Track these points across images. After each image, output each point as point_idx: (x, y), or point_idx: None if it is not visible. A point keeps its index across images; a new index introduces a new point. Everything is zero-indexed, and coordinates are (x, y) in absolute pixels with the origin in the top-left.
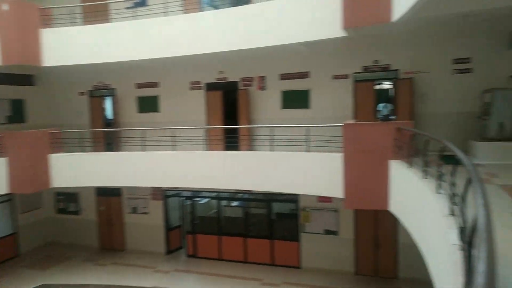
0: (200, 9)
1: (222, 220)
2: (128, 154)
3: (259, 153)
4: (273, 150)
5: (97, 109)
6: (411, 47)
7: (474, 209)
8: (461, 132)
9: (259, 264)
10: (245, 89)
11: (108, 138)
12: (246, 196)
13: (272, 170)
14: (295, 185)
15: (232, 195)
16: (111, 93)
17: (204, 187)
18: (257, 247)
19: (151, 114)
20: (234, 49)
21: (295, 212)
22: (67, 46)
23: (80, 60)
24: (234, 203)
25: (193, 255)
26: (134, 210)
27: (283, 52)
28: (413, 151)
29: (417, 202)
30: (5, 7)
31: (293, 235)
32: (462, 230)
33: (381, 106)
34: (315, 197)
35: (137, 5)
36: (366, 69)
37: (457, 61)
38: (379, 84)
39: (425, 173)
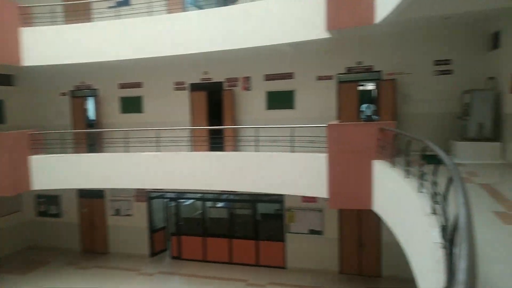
0: (184, 9)
1: (207, 221)
2: (111, 156)
3: (244, 154)
4: (258, 151)
5: (79, 110)
6: (393, 49)
7: (455, 207)
8: (442, 132)
9: (244, 265)
10: (230, 89)
11: (91, 139)
12: (231, 197)
13: (257, 171)
14: (280, 185)
15: (217, 196)
16: (94, 93)
17: (189, 188)
18: (242, 248)
19: (135, 114)
20: (219, 49)
21: (280, 213)
22: (47, 45)
23: (61, 60)
24: (219, 204)
25: (177, 257)
26: (118, 212)
27: (267, 53)
28: (395, 151)
29: (399, 201)
30: None
31: (278, 236)
32: (443, 229)
33: (364, 106)
34: (299, 197)
35: (120, 4)
36: (349, 70)
37: (438, 62)
38: (362, 85)
39: (408, 172)
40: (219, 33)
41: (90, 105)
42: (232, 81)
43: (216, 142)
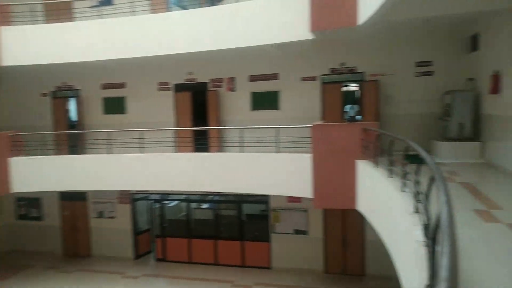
0: (167, 9)
1: (192, 223)
2: (94, 157)
3: (229, 155)
4: (243, 151)
5: (60, 111)
6: (376, 51)
7: (437, 206)
8: (424, 132)
9: (230, 266)
10: (214, 90)
11: (73, 141)
12: (216, 198)
13: (242, 172)
14: (265, 185)
15: (202, 197)
16: (75, 94)
17: (174, 189)
18: (228, 249)
19: (118, 115)
20: (203, 49)
21: (266, 213)
22: (27, 45)
23: (42, 60)
24: (204, 205)
25: (162, 259)
26: (101, 215)
27: (252, 54)
28: (378, 151)
29: (383, 200)
30: None
31: (264, 236)
32: (426, 227)
33: (348, 107)
34: (285, 198)
35: (102, 4)
36: (333, 71)
37: (420, 64)
38: (346, 86)
39: (391, 172)
40: (204, 33)
41: (72, 106)
42: (217, 81)
43: (200, 143)
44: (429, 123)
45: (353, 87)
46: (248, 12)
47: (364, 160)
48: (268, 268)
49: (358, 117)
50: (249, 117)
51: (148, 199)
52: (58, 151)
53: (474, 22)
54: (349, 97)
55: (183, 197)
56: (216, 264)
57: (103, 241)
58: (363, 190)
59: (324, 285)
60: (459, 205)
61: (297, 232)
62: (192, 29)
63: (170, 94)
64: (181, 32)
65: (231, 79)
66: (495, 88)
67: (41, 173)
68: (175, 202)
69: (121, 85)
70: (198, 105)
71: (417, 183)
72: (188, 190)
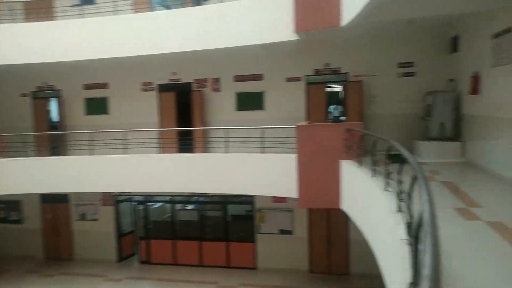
0: (151, 8)
1: (177, 224)
2: (76, 159)
3: (213, 155)
4: (228, 152)
5: (41, 112)
6: (360, 51)
7: (419, 205)
8: (406, 132)
9: (215, 267)
10: (199, 90)
11: (54, 142)
12: (201, 199)
13: (227, 172)
14: (250, 186)
15: (187, 198)
16: (57, 94)
17: (158, 191)
18: (213, 250)
19: (101, 116)
20: (188, 49)
21: (251, 214)
22: (6, 44)
23: (22, 59)
24: (189, 206)
25: (146, 261)
26: (83, 217)
27: (237, 54)
28: (362, 151)
29: (366, 200)
30: None
31: (249, 237)
32: (409, 226)
33: (332, 107)
34: (270, 198)
35: (84, 3)
36: (317, 72)
37: (402, 65)
38: (330, 87)
39: (374, 172)
40: (188, 33)
41: (53, 106)
42: (202, 82)
43: (185, 144)
44: (412, 123)
45: (337, 88)
46: (233, 12)
47: (348, 160)
48: (253, 268)
49: (342, 117)
50: (234, 117)
51: (131, 201)
52: (39, 152)
53: (455, 23)
54: (333, 98)
55: (167, 198)
56: (201, 265)
57: (85, 244)
58: (347, 190)
59: (309, 284)
60: (440, 203)
61: (282, 232)
62: (177, 28)
63: (154, 95)
64: (166, 31)
65: (216, 80)
66: (475, 89)
67: (21, 175)
68: (160, 204)
69: (103, 85)
70: (183, 106)
71: (399, 182)
72: (173, 191)
